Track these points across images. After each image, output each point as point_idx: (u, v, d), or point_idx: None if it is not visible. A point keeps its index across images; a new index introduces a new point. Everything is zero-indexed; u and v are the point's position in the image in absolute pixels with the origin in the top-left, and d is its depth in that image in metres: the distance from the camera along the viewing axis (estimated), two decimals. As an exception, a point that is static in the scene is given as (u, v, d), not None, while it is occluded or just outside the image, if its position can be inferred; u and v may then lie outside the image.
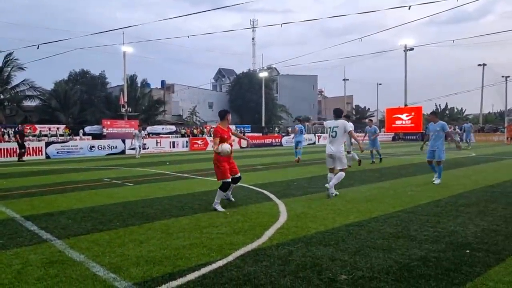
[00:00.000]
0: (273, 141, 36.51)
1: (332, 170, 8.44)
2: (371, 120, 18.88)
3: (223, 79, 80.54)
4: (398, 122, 45.94)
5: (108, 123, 37.26)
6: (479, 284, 3.57)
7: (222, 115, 7.70)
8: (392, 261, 4.16)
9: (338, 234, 5.25)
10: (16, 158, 21.85)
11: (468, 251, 4.49)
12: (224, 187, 7.16)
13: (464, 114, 78.33)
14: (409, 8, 18.11)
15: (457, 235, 5.14)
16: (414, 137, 44.41)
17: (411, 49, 46.54)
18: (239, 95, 60.51)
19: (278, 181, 10.69)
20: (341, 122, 8.28)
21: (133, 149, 22.69)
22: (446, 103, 76.85)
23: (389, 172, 12.79)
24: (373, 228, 5.56)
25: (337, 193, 8.29)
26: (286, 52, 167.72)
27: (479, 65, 57.25)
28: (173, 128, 44.10)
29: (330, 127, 8.32)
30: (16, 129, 23.22)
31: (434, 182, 9.84)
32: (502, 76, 58.04)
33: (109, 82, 55.76)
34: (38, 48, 23.25)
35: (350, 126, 8.51)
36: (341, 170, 8.27)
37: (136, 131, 23.05)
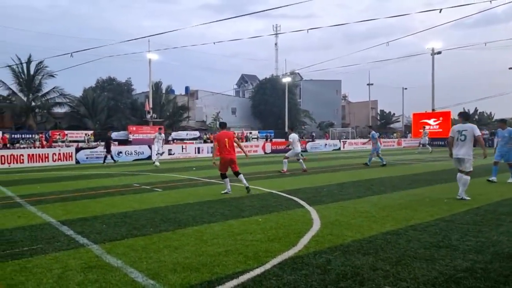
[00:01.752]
0: (298, 146, 36.31)
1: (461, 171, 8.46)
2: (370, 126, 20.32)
3: (246, 84, 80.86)
4: (425, 127, 45.05)
5: (134, 129, 37.90)
6: (533, 298, 3.39)
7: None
8: (437, 272, 4.01)
9: (376, 243, 5.11)
10: (47, 163, 22.47)
11: (516, 262, 4.30)
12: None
13: (494, 119, 76.19)
14: (440, 11, 17.74)
15: (502, 245, 4.93)
16: (442, 143, 43.35)
17: (439, 52, 45.64)
18: (262, 100, 60.57)
19: (307, 188, 10.57)
20: (470, 126, 8.33)
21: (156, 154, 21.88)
22: (476, 108, 75.02)
23: (421, 178, 12.48)
24: (411, 237, 5.40)
25: (469, 198, 8.25)
26: (309, 57, 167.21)
27: (510, 68, 55.61)
28: (197, 133, 44.49)
29: (458, 131, 8.32)
30: (107, 136, 24.19)
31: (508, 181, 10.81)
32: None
33: (135, 89, 56.83)
34: (71, 56, 23.88)
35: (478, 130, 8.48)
36: (466, 174, 8.30)
37: (156, 133, 22.67)
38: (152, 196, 9.61)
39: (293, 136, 16.40)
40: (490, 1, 16.70)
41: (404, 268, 4.14)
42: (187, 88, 63.26)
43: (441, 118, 44.18)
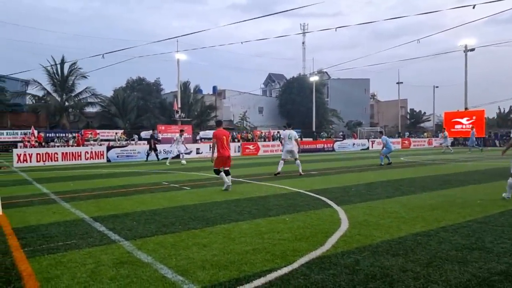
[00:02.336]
0: (325, 146, 36.02)
1: None
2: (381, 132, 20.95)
3: (273, 84, 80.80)
4: (457, 126, 43.86)
5: (163, 128, 38.51)
6: None
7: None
8: (470, 275, 3.91)
9: (405, 244, 5.02)
10: (80, 161, 23.17)
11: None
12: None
13: (531, 118, 73.22)
14: (474, 7, 17.20)
15: (539, 249, 4.75)
16: (476, 142, 42.04)
17: (472, 49, 44.25)
18: (289, 99, 60.41)
19: (335, 187, 10.48)
20: None
21: (177, 156, 22.14)
22: (510, 106, 72.31)
23: (453, 179, 12.16)
24: (443, 238, 5.27)
25: None
26: (337, 55, 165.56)
27: (548, 65, 53.28)
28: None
29: None
30: (151, 135, 25.28)
31: None
32: None
33: (164, 89, 57.77)
34: (103, 57, 24.54)
35: None
36: None
37: (177, 135, 23.00)
38: (181, 194, 9.76)
39: (285, 133, 14.62)
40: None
41: (435, 270, 4.06)
42: (214, 88, 63.84)
43: (474, 117, 42.81)
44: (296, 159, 14.33)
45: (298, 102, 58.98)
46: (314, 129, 52.47)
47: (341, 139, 42.55)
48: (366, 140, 41.20)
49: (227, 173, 10.39)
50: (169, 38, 72.46)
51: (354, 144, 38.53)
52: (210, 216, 6.94)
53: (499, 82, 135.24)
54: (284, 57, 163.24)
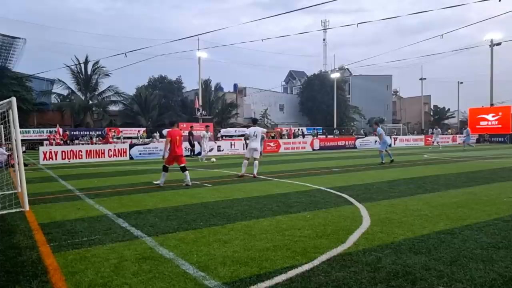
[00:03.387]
0: (346, 143, 35.70)
1: None
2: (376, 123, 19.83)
3: (294, 81, 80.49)
4: (483, 123, 42.85)
5: (184, 125, 38.86)
6: None
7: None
8: (495, 274, 3.82)
9: (428, 242, 4.94)
10: (103, 159, 23.65)
11: None
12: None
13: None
14: (500, 0, 16.73)
15: None
16: (502, 139, 40.92)
17: (499, 43, 43.02)
18: (310, 97, 60.07)
19: (356, 184, 10.38)
20: None
21: (199, 153, 22.50)
22: (539, 102, 70.06)
23: (478, 176, 11.87)
24: (467, 236, 5.16)
25: None
26: (359, 52, 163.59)
27: None
28: (245, 130, 44.95)
29: None
30: (189, 132, 26.39)
31: None
32: None
33: (185, 87, 58.31)
34: (125, 56, 25.00)
35: None
36: None
37: (204, 132, 23.14)
38: (202, 191, 9.84)
39: (250, 130, 13.30)
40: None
41: (459, 269, 3.98)
42: (235, 85, 64.01)
43: (500, 113, 41.68)
44: (255, 159, 12.94)
45: (319, 99, 58.60)
46: (335, 126, 52.03)
47: (363, 136, 42.06)
48: (389, 137, 40.61)
49: (183, 169, 11.00)
50: (190, 36, 73.11)
51: (376, 141, 38.03)
52: (231, 213, 6.98)
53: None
54: (305, 54, 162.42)
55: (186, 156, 24.46)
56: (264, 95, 62.18)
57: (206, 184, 11.17)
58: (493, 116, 42.44)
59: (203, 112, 42.64)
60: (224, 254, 4.59)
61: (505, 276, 3.77)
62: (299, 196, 8.75)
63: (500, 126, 41.44)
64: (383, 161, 17.28)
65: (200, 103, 41.66)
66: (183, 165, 11.06)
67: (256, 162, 13.01)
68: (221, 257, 4.49)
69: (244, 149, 29.82)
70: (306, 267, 4.12)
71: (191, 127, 28.33)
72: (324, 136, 43.84)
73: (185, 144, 25.82)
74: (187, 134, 26.18)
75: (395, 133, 49.99)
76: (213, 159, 20.67)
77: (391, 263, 4.17)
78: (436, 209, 7.03)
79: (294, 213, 6.84)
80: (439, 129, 34.00)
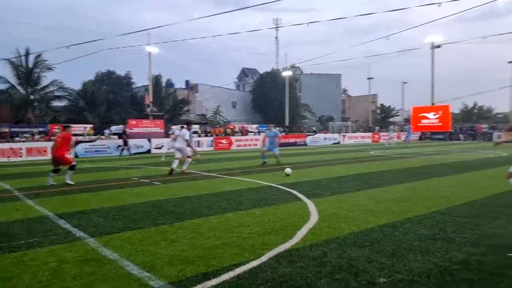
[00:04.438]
0: (298, 140, 36.30)
1: None
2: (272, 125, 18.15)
3: (246, 78, 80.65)
4: (424, 121, 45.01)
5: (134, 122, 37.83)
6: (527, 290, 3.40)
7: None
8: (432, 264, 4.02)
9: (372, 235, 5.12)
10: (45, 157, 22.50)
11: (511, 254, 4.30)
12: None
13: (494, 113, 76.02)
14: (439, 5, 17.66)
15: (498, 238, 4.94)
16: (442, 137, 43.32)
17: (438, 46, 45.43)
18: (262, 94, 60.41)
19: (306, 181, 10.58)
20: None
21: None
22: (475, 102, 74.85)
23: (419, 172, 12.49)
24: (408, 229, 5.41)
25: None
26: (310, 51, 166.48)
27: (510, 62, 55.15)
28: (197, 127, 44.45)
29: None
30: (123, 130, 25.59)
31: None
32: (534, 74, 56.03)
33: (135, 82, 56.66)
34: (67, 48, 23.86)
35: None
36: None
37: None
38: (151, 190, 9.62)
39: (179, 132, 14.56)
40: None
41: (399, 260, 4.15)
42: (187, 82, 63.06)
43: (440, 112, 44.09)
44: (188, 156, 13.72)
45: (271, 97, 59.07)
46: (287, 123, 52.73)
47: (313, 133, 42.96)
48: (338, 134, 41.76)
49: (71, 168, 11.10)
50: (139, 31, 71.09)
51: (325, 138, 39.00)
52: (180, 211, 6.88)
53: (464, 79, 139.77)
54: (258, 51, 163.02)
55: (115, 156, 23.87)
56: (216, 92, 61.79)
57: (155, 182, 10.93)
58: (434, 115, 44.75)
59: (153, 108, 41.68)
60: (171, 253, 4.51)
61: (441, 266, 3.98)
62: (250, 193, 8.78)
63: (440, 124, 43.75)
64: (265, 161, 16.27)
65: (151, 99, 40.69)
66: (69, 165, 11.03)
67: (189, 159, 13.70)
68: (168, 257, 4.40)
69: (196, 146, 29.55)
70: (253, 263, 4.13)
71: (124, 124, 27.60)
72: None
73: (118, 142, 25.33)
74: (121, 132, 25.55)
75: (343, 131, 51.45)
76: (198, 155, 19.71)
77: (336, 257, 4.28)
78: (381, 203, 7.30)
79: (244, 210, 6.86)
80: (395, 127, 35.33)
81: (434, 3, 17.73)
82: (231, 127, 45.26)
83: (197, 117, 56.48)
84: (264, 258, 4.28)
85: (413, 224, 5.72)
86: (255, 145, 32.62)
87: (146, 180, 11.37)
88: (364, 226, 5.63)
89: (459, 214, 6.31)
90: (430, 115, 45.15)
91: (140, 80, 75.08)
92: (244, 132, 42.91)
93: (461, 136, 43.75)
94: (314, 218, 6.17)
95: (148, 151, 26.95)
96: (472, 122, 60.09)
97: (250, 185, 10.04)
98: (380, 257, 4.26)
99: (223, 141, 31.88)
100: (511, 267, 3.91)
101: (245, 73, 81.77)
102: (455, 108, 72.01)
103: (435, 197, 7.84)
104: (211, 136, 36.01)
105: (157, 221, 6.15)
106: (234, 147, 31.41)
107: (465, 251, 4.45)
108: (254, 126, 51.46)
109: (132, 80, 56.20)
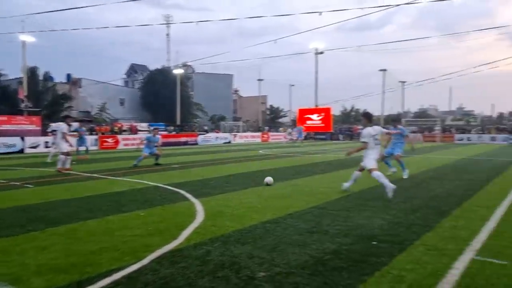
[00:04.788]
0: (189, 139, 36.01)
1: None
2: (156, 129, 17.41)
3: (136, 75, 77.61)
4: (309, 122, 48.08)
5: (5, 119, 33.82)
6: (385, 273, 3.82)
7: None
8: (308, 256, 4.29)
9: (255, 232, 5.29)
10: None
11: (375, 242, 4.80)
12: None
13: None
14: (320, 14, 19.02)
15: (365, 228, 5.47)
16: (324, 136, 46.75)
17: (321, 52, 48.98)
18: (153, 92, 58.67)
19: (195, 180, 10.53)
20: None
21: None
22: (353, 105, 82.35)
23: (303, 170, 13.29)
24: (289, 224, 5.70)
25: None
26: (202, 50, 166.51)
27: (380, 70, 61.69)
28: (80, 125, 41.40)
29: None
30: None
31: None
32: (400, 81, 63.72)
33: (6, 74, 50.76)
34: None
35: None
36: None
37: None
38: (22, 193, 8.69)
39: (56, 127, 14.16)
40: (362, 8, 18.40)
41: (279, 255, 4.35)
42: (69, 76, 58.37)
43: (323, 114, 47.60)
44: (65, 153, 13.16)
45: (162, 95, 57.67)
46: (178, 122, 51.97)
47: (205, 132, 43.04)
48: (229, 134, 42.45)
49: None
50: (12, 16, 63.60)
51: (217, 137, 39.35)
52: (54, 216, 6.31)
53: (344, 83, 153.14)
54: (148, 47, 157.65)
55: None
56: (102, 88, 58.25)
57: (27, 185, 9.88)
58: (317, 116, 48.20)
59: (28, 103, 37.72)
60: (40, 262, 4.11)
61: (316, 257, 4.27)
62: (135, 194, 8.45)
63: (323, 125, 47.22)
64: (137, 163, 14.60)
65: (25, 94, 36.76)
66: None
67: (62, 156, 13.00)
68: (35, 266, 4.00)
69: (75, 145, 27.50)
70: (134, 267, 3.97)
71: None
72: (166, 132, 43.31)
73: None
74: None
75: (235, 130, 52.49)
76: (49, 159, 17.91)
77: (219, 255, 4.32)
78: (266, 200, 7.59)
79: (127, 212, 6.56)
80: (301, 127, 36.50)
81: (316, 12, 19.09)
82: (119, 125, 43.15)
83: (80, 114, 52.62)
84: (145, 261, 4.14)
85: (293, 219, 6.04)
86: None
87: (17, 183, 10.24)
88: (248, 223, 5.79)
89: (334, 208, 6.86)
90: (314, 116, 48.48)
91: (13, 72, 67.29)
92: (134, 130, 41.21)
93: (340, 136, 47.71)
94: (200, 217, 6.17)
95: (21, 151, 24.34)
96: (350, 124, 66.14)
97: (136, 185, 9.67)
98: (261, 253, 4.41)
99: (109, 139, 30.21)
100: (374, 254, 4.35)
101: (134, 69, 78.60)
102: (336, 110, 78.42)
103: (315, 193, 8.41)
104: (96, 134, 33.85)
105: (27, 228, 5.57)
106: (121, 146, 29.97)
107: (337, 241, 4.83)
108: (144, 124, 49.84)
109: (2, 72, 50.30)
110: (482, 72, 69.86)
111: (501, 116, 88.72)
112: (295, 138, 34.56)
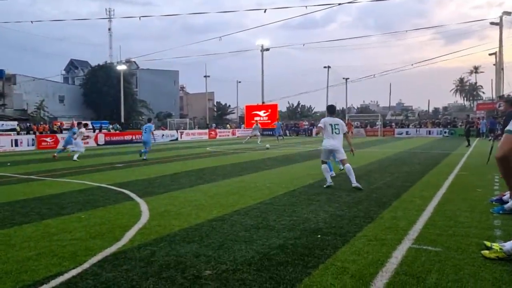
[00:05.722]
0: (134, 137, 34.97)
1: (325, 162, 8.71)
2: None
3: (76, 71, 74.22)
4: (256, 118, 48.34)
5: None
6: (329, 265, 3.92)
7: None
8: (254, 252, 4.32)
9: (201, 230, 5.24)
10: None
11: (319, 236, 4.92)
12: None
13: (313, 112, 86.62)
14: (265, 11, 19.23)
15: (310, 222, 5.60)
16: (271, 133, 47.32)
17: (267, 49, 49.52)
18: (95, 89, 56.44)
19: (139, 179, 10.26)
20: (340, 120, 8.66)
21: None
22: (299, 101, 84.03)
23: (249, 166, 13.36)
24: (235, 221, 5.71)
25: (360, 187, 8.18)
26: (146, 45, 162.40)
27: (325, 67, 63.52)
28: (15, 124, 38.95)
29: (331, 124, 8.39)
30: None
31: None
32: (343, 78, 65.90)
33: None
34: None
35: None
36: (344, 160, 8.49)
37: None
38: None
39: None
40: (306, 7, 18.77)
41: (225, 252, 4.34)
42: (1, 72, 54.62)
43: (269, 110, 48.15)
44: None
45: (105, 92, 55.61)
46: (123, 120, 50.35)
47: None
48: (175, 131, 41.76)
49: None
50: None
51: (163, 135, 38.55)
52: (-15, 222, 5.88)
53: (289, 80, 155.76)
54: (88, 42, 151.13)
55: None
56: (39, 85, 55.05)
57: (-46, 190, 9.14)
58: (264, 113, 48.73)
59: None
60: (-32, 273, 3.81)
61: (261, 252, 4.31)
62: (76, 195, 8.07)
63: (269, 121, 47.77)
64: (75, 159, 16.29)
65: (-49, 91, 33.93)
66: None
67: None
68: (-37, 277, 3.71)
69: (12, 146, 25.86)
70: (73, 272, 3.79)
71: None
72: (109, 131, 41.85)
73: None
74: None
75: (182, 128, 51.76)
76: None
77: (165, 255, 4.24)
78: (212, 198, 7.55)
79: (66, 215, 6.25)
80: (279, 123, 36.27)
81: (261, 9, 19.29)
82: (58, 123, 41.09)
83: (15, 113, 49.51)
84: (86, 265, 3.96)
85: (240, 215, 6.05)
86: (86, 143, 30.14)
87: None
88: (195, 221, 5.73)
89: (280, 203, 6.95)
90: (261, 112, 48.95)
91: None
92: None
93: (287, 132, 48.48)
94: (144, 217, 6.01)
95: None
96: (296, 120, 67.39)
97: (77, 186, 9.24)
98: (207, 251, 4.37)
99: (48, 139, 28.64)
100: (318, 247, 4.46)
101: (74, 65, 75.09)
102: (283, 107, 79.65)
103: (261, 189, 8.48)
104: (33, 133, 32.01)
105: (-48, 236, 5.14)
106: (61, 145, 28.48)
107: (283, 236, 4.90)
108: (87, 123, 47.76)
109: None
110: (419, 68, 74.14)
111: (436, 111, 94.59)
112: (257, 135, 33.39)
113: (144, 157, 16.49)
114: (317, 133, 9.00)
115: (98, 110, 57.16)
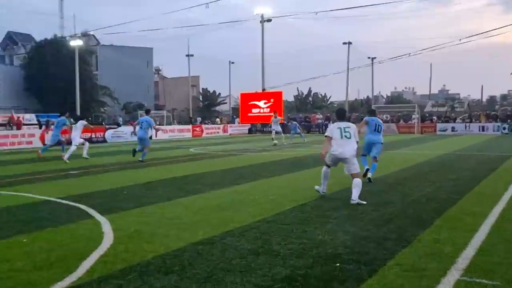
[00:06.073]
0: (93, 135, 34.97)
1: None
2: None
3: (16, 47, 74.23)
4: (255, 110, 48.34)
5: None
6: (351, 303, 3.92)
7: None
8: (252, 286, 4.31)
9: (183, 257, 5.24)
10: None
11: (338, 264, 4.92)
12: None
13: (329, 102, 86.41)
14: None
15: (326, 246, 5.60)
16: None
17: (269, 20, 49.42)
18: (41, 70, 56.22)
19: (101, 191, 10.30)
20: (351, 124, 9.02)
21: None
22: (310, 88, 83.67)
23: (246, 172, 13.40)
24: (228, 245, 5.71)
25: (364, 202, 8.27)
26: (110, 14, 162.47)
27: (344, 43, 62.55)
28: None
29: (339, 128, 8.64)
30: None
31: None
32: (368, 57, 65.10)
33: None
34: None
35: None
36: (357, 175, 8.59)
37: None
38: None
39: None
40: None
41: (214, 286, 4.33)
42: None
43: (272, 100, 47.87)
44: None
45: (54, 75, 55.40)
46: (78, 112, 50.40)
47: (116, 126, 42.08)
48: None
49: None
50: None
51: (133, 133, 38.59)
52: None
53: (297, 60, 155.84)
54: (33, 9, 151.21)
55: None
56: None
57: None
58: (265, 103, 48.42)
59: None
60: None
61: (262, 286, 4.30)
62: (15, 212, 8.08)
63: (271, 114, 47.82)
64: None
65: None
66: None
67: None
68: None
69: None
70: (12, 315, 3.78)
71: None
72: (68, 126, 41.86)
73: None
74: None
75: (157, 123, 51.85)
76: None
77: (134, 291, 4.23)
78: (197, 214, 7.57)
79: (3, 239, 6.25)
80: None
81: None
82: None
83: None
84: (29, 305, 3.96)
85: (234, 237, 6.06)
86: (30, 142, 30.03)
87: None
88: (174, 245, 5.73)
89: (286, 221, 6.97)
90: (261, 103, 48.63)
91: None
92: (19, 125, 39.36)
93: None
94: (108, 240, 6.01)
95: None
96: (307, 112, 67.10)
97: (17, 201, 9.24)
98: (191, 284, 4.37)
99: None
100: (337, 279, 4.46)
101: (13, 39, 75.07)
102: (289, 95, 79.31)
103: (262, 202, 8.51)
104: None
105: None
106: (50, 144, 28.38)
107: (290, 265, 4.90)
108: (31, 116, 47.79)
109: None
110: (469, 45, 73.97)
111: (492, 100, 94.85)
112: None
113: (141, 158, 16.94)
114: (325, 153, 8.92)
115: (44, 99, 56.97)
